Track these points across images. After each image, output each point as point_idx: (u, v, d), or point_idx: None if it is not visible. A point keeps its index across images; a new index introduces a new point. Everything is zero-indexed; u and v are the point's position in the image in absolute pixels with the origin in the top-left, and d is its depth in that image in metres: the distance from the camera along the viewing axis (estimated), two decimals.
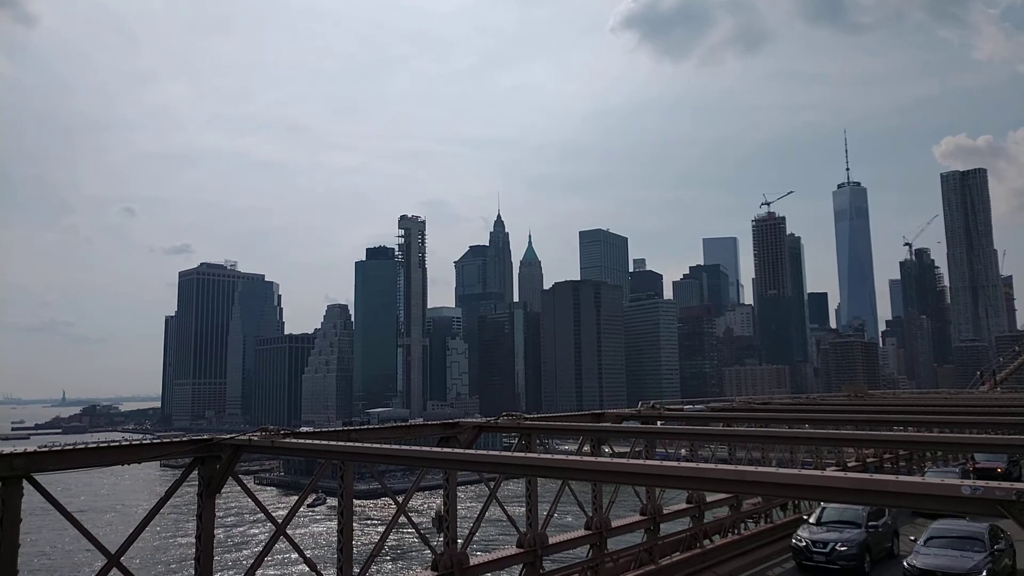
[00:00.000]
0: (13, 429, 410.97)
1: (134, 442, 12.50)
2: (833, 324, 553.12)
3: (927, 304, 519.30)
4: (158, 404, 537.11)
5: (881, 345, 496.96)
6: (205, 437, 12.89)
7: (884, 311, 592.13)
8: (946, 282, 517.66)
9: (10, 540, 9.94)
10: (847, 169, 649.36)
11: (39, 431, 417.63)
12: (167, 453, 12.66)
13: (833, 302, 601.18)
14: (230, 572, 79.57)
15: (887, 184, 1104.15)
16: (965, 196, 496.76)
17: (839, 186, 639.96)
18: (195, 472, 12.48)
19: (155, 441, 12.77)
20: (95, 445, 11.66)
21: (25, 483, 10.28)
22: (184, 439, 12.92)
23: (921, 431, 24.61)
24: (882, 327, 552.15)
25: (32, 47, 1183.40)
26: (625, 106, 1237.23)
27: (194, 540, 12.48)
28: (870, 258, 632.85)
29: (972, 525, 22.35)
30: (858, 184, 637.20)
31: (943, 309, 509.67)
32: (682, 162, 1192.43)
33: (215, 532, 12.57)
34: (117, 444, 12.07)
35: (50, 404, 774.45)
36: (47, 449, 11.04)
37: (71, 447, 11.31)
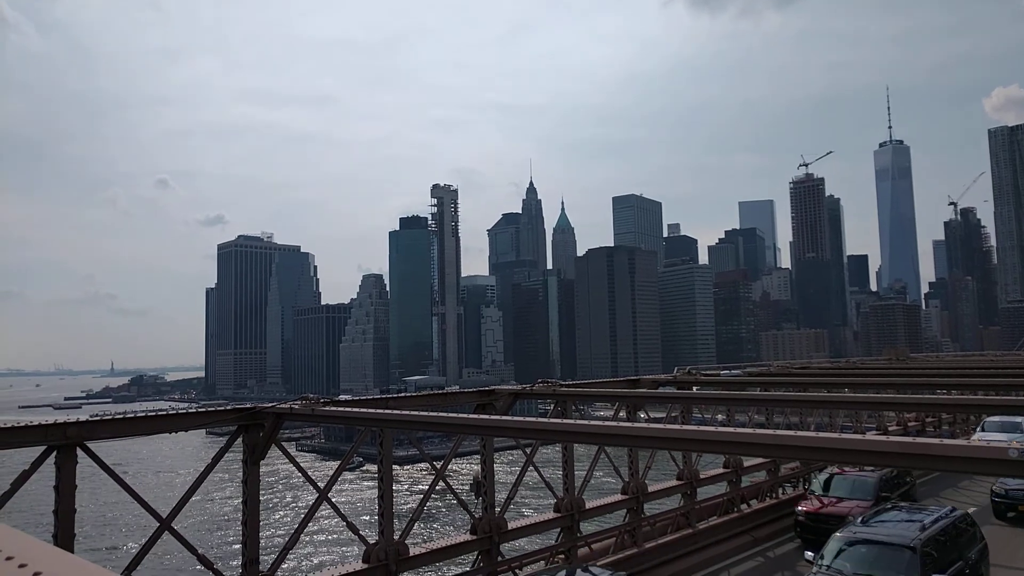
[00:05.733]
0: (66, 399, 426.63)
1: (181, 411, 12.87)
2: (874, 287, 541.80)
3: (973, 265, 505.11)
4: (202, 374, 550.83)
5: (924, 308, 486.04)
6: (248, 406, 13.21)
7: (927, 273, 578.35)
8: (993, 242, 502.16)
9: (67, 505, 10.35)
10: (889, 127, 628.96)
11: (90, 401, 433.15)
12: (213, 421, 13.01)
13: (874, 264, 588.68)
14: (276, 533, 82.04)
15: (932, 142, 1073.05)
16: (1014, 151, 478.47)
17: (880, 145, 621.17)
18: (239, 439, 12.83)
19: (201, 410, 13.13)
20: (144, 414, 12.05)
21: (79, 451, 10.67)
22: (228, 408, 13.29)
23: (966, 394, 24.10)
24: (925, 289, 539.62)
25: (58, 19, 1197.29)
26: (659, 67, 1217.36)
27: (240, 505, 12.88)
28: (913, 219, 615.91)
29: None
30: (900, 142, 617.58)
31: (989, 270, 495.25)
32: (717, 123, 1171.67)
33: (260, 496, 12.96)
34: (165, 413, 12.45)
35: (99, 375, 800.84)
36: (98, 418, 11.44)
37: (121, 416, 11.70)
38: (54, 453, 10.38)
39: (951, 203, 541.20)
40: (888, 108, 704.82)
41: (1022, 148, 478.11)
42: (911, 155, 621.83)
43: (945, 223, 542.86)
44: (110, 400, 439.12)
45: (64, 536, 10.27)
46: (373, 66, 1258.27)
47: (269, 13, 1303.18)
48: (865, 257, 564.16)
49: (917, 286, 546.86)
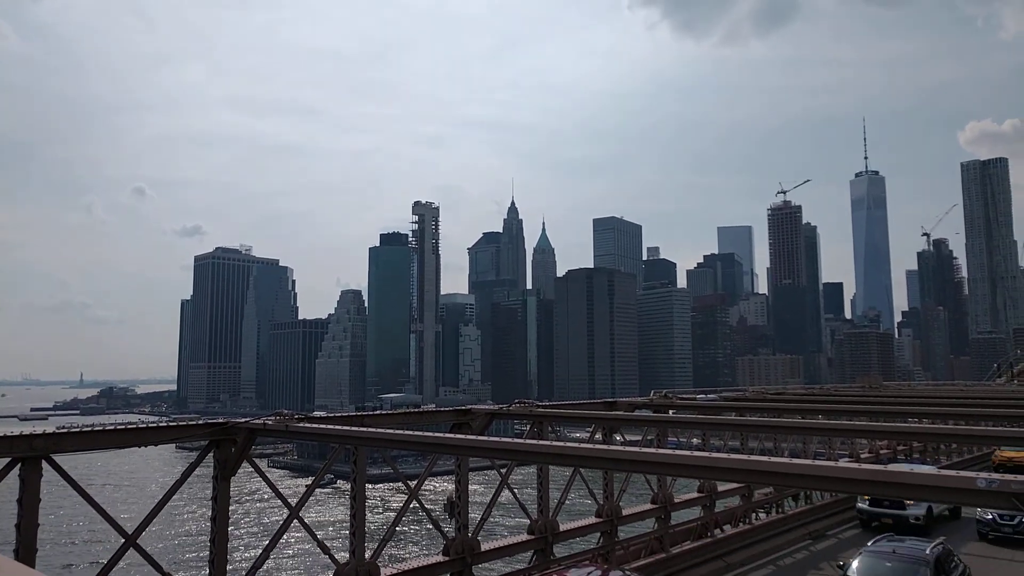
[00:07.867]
0: (33, 410, 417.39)
1: (151, 425, 12.68)
2: (848, 315, 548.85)
3: (944, 295, 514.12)
4: (174, 387, 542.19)
5: (897, 336, 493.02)
6: (220, 421, 13.04)
7: (900, 302, 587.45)
8: (964, 273, 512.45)
9: (30, 519, 10.11)
10: (865, 158, 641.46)
11: (57, 412, 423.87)
12: (183, 436, 12.81)
13: (849, 292, 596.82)
14: (244, 553, 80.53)
15: (907, 171, 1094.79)
16: (985, 185, 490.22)
17: (857, 175, 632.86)
18: (210, 455, 12.63)
19: (171, 424, 12.93)
20: (113, 427, 11.83)
21: (44, 463, 10.44)
22: (200, 422, 13.10)
23: (936, 423, 24.40)
24: (898, 318, 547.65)
25: (40, 22, 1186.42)
26: (643, 87, 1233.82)
27: (209, 521, 12.66)
28: (887, 248, 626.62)
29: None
30: (876, 173, 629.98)
31: (961, 300, 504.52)
32: (699, 146, 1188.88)
33: (230, 513, 12.75)
34: (134, 427, 12.24)
35: (68, 386, 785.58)
36: (66, 430, 11.23)
37: (89, 429, 11.50)
38: (19, 465, 10.15)
39: (924, 234, 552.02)
40: (864, 139, 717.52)
41: (993, 182, 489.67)
42: (886, 185, 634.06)
43: (918, 253, 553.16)
44: (78, 412, 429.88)
45: (26, 551, 10.02)
46: (359, 78, 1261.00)
47: (256, 20, 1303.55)
48: (840, 285, 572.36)
49: (890, 315, 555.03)
